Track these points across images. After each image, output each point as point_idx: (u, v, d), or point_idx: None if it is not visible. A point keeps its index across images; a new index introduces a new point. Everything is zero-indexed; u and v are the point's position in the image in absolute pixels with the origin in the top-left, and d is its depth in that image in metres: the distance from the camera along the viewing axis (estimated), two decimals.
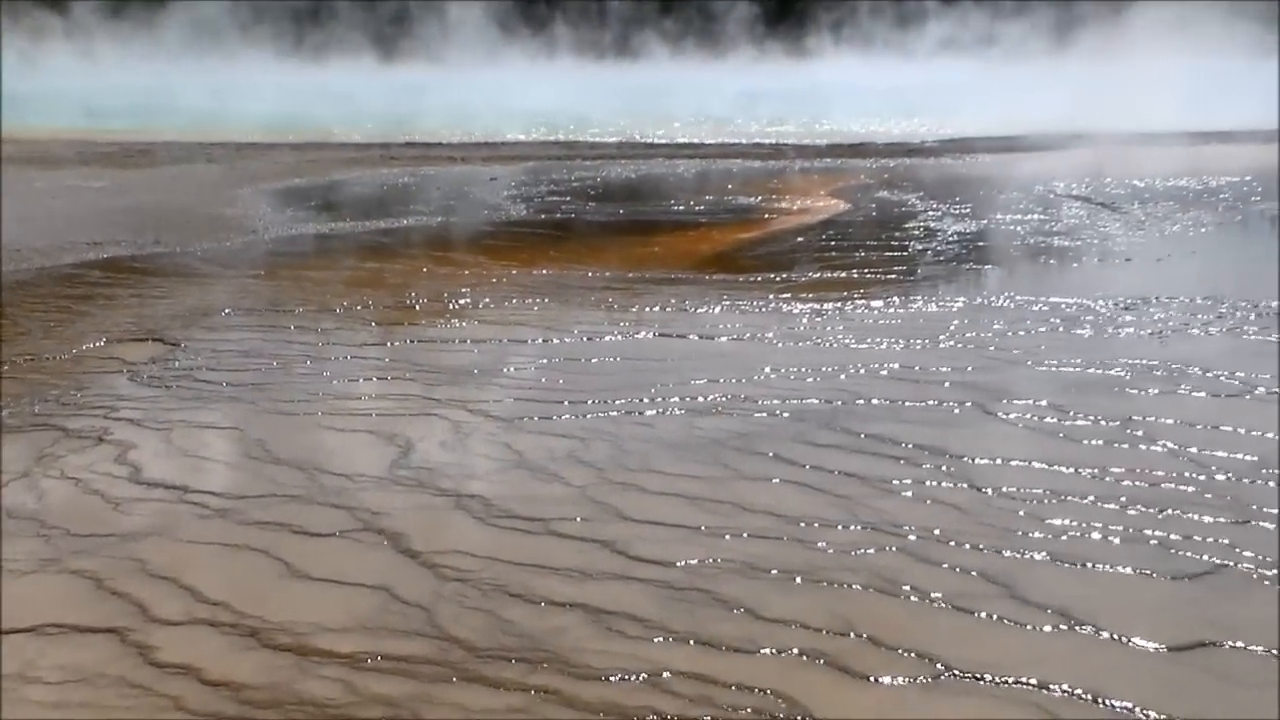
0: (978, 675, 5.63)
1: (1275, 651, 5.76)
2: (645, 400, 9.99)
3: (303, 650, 5.99)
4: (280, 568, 6.98)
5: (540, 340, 12.13)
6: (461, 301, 14.04)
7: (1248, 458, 8.37)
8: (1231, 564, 6.75)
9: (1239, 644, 5.87)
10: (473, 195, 25.05)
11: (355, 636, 6.13)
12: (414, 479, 8.35)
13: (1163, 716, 5.24)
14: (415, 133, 41.21)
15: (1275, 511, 7.43)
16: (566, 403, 9.97)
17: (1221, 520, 7.34)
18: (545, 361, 11.29)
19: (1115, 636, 5.97)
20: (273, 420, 9.66)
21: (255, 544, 7.30)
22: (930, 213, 22.03)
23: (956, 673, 5.66)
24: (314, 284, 15.29)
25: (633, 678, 5.68)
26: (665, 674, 5.70)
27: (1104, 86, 54.44)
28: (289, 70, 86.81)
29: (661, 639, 6.05)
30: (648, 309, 13.58)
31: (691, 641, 6.02)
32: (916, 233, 19.62)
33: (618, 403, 9.94)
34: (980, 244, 18.47)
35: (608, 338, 12.19)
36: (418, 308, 13.76)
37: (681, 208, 23.31)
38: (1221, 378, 10.29)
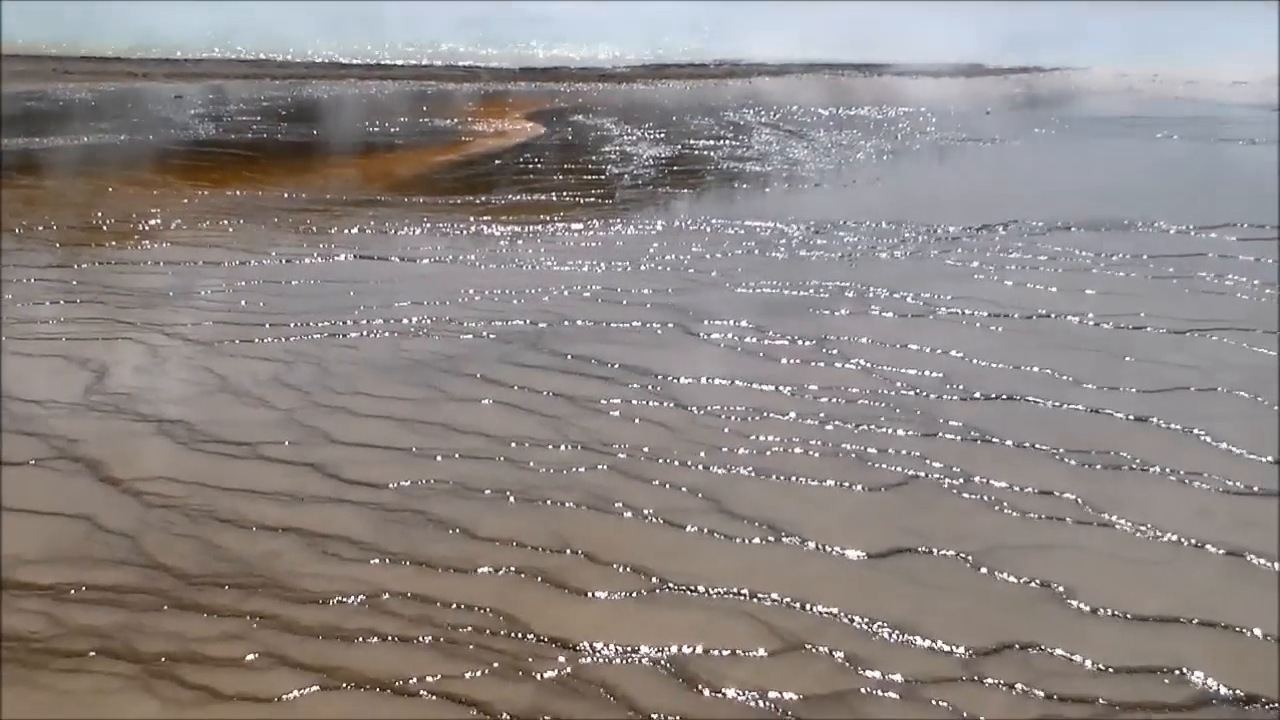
0: (692, 587, 5.77)
1: (965, 556, 6.09)
2: (349, 323, 9.81)
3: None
4: None
5: (237, 262, 11.74)
6: (152, 222, 13.46)
7: (933, 374, 8.78)
8: (923, 475, 7.09)
9: (932, 549, 6.18)
10: (158, 113, 23.99)
11: (57, 568, 5.86)
12: (111, 404, 8.00)
13: (865, 619, 5.48)
14: (83, 46, 38.82)
15: (959, 424, 7.83)
16: (268, 325, 9.71)
17: (912, 433, 7.70)
18: (243, 284, 10.94)
19: (820, 546, 6.20)
20: None
21: None
22: (626, 137, 22.22)
23: (671, 585, 5.79)
24: None
25: (351, 600, 5.60)
26: (384, 595, 5.65)
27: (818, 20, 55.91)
28: None
29: (378, 560, 5.99)
30: (347, 231, 13.30)
31: (408, 562, 5.98)
32: (613, 157, 19.77)
33: (321, 325, 9.73)
34: (676, 168, 18.74)
35: (307, 260, 11.91)
36: (105, 228, 13.13)
37: (377, 129, 22.86)
38: (907, 298, 10.75)
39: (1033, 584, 5.85)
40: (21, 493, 6.66)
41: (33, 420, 7.68)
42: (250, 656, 5.12)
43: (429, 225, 13.65)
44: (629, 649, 5.23)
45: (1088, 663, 5.17)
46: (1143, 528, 6.43)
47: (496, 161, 19.16)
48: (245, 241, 12.59)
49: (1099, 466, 7.23)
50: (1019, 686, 4.97)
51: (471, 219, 14.10)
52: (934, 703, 4.87)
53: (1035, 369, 8.95)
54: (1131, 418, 8.02)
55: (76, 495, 6.64)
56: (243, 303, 10.33)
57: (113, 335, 9.39)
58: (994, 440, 7.61)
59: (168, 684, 4.90)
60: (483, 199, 15.46)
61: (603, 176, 17.66)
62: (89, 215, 13.68)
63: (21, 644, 5.18)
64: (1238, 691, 4.98)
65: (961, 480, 7.01)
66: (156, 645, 5.19)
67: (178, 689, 4.87)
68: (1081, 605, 5.66)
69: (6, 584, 5.68)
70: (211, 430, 7.57)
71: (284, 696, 4.85)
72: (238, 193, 15.55)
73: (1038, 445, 7.52)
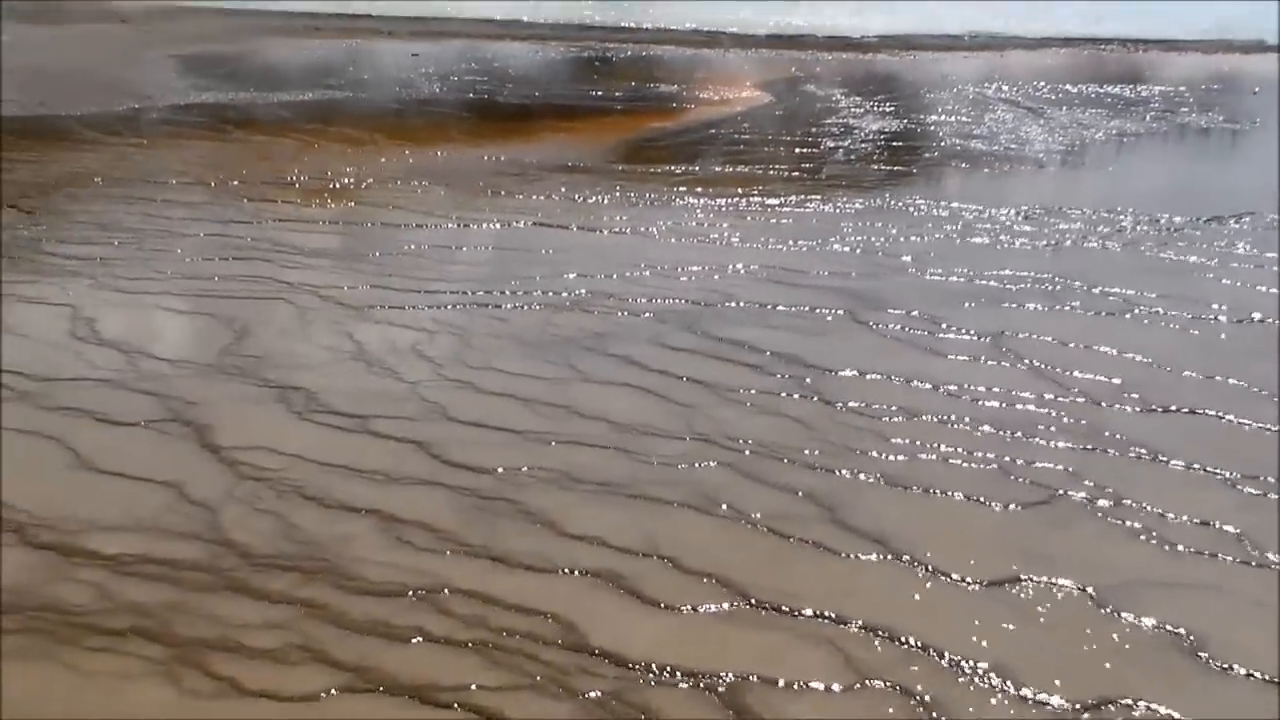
0: (776, 606, 5.31)
1: (1090, 590, 5.47)
2: (506, 293, 9.58)
3: (65, 550, 5.60)
4: (69, 458, 6.56)
5: (414, 225, 11.65)
6: (344, 181, 13.51)
7: (1112, 380, 8.07)
8: (1067, 492, 6.45)
9: (1055, 580, 5.58)
10: (390, 71, 24.34)
11: (127, 537, 5.73)
12: (240, 367, 7.92)
13: (958, 656, 4.94)
14: (348, 4, 39.61)
15: (1125, 438, 7.13)
16: (423, 292, 9.55)
17: (1070, 446, 7.05)
18: (412, 248, 10.82)
19: (930, 568, 5.66)
20: (109, 298, 9.18)
21: (49, 430, 6.86)
22: (853, 109, 21.56)
23: (754, 602, 5.34)
24: (196, 156, 14.72)
25: (410, 594, 5.32)
26: (445, 591, 5.34)
27: None
28: None
29: (451, 552, 5.69)
30: (535, 197, 13.10)
31: (483, 556, 5.67)
32: (833, 130, 19.15)
33: (477, 294, 9.52)
34: (896, 144, 18.04)
35: (484, 225, 11.74)
36: (296, 185, 13.22)
37: (600, 93, 22.70)
38: (1108, 294, 9.99)
39: (1159, 629, 5.20)
40: (120, 455, 6.60)
41: (158, 380, 7.65)
42: (286, 649, 4.88)
43: (620, 194, 13.36)
44: (684, 671, 4.81)
45: None
46: None
47: (710, 130, 18.76)
48: (428, 204, 12.51)
49: (1275, 497, 6.47)
50: None
51: (666, 189, 13.76)
52: None
53: (1230, 380, 8.16)
54: None
55: (173, 461, 6.54)
56: (406, 268, 10.20)
57: (267, 295, 9.35)
58: (1160, 459, 6.91)
59: (192, 673, 4.70)
60: (684, 169, 15.09)
61: (816, 150, 17.08)
62: (286, 171, 13.82)
63: (63, 617, 5.06)
64: None
65: (1110, 503, 6.35)
66: (196, 629, 5.00)
67: (200, 679, 4.66)
68: (1210, 659, 4.99)
69: (72, 551, 5.58)
70: (330, 400, 7.41)
71: (306, 696, 4.58)
72: (439, 153, 15.55)
73: (1209, 468, 6.80)
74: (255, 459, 6.59)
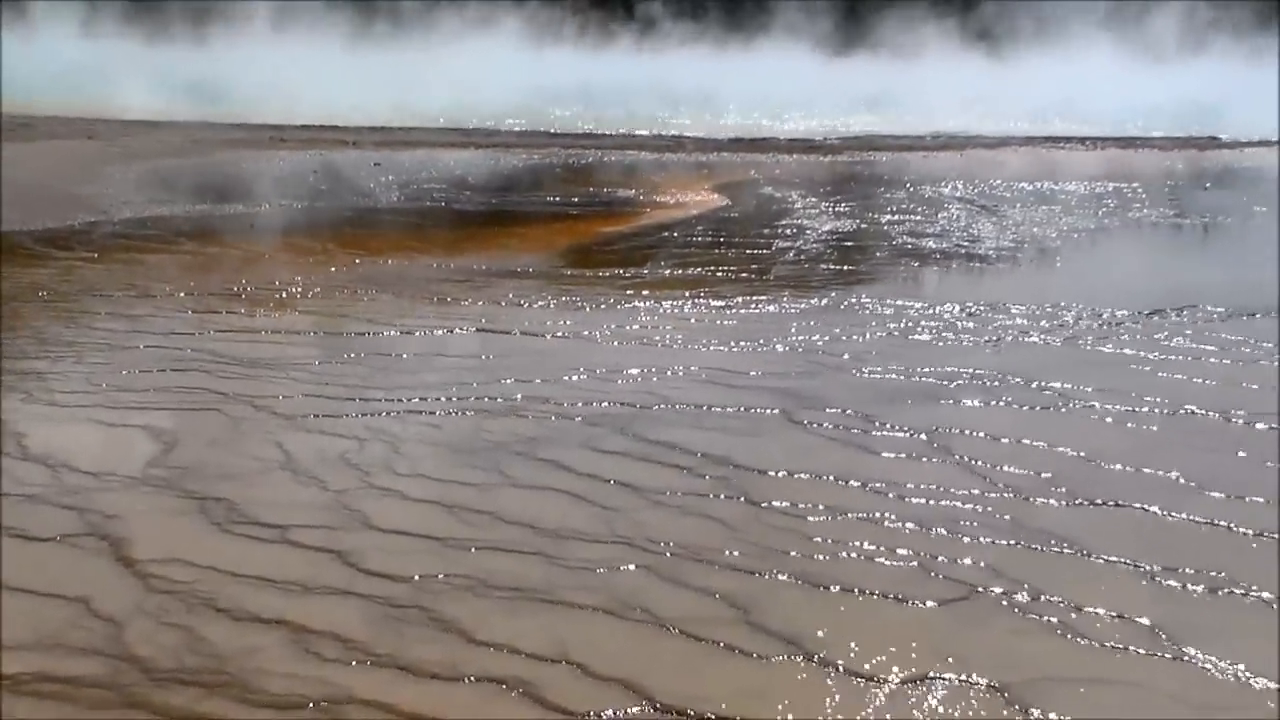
0: (682, 710, 5.27)
1: (1002, 688, 5.44)
2: (441, 399, 9.56)
3: None
4: None
5: (354, 333, 11.64)
6: (290, 290, 13.53)
7: (1040, 474, 8.09)
8: (986, 588, 6.44)
9: (968, 678, 5.55)
10: (350, 181, 24.45)
11: (28, 655, 5.66)
12: (164, 479, 7.86)
13: None
14: (323, 115, 39.28)
15: (1049, 532, 7.14)
16: (358, 400, 9.53)
17: (990, 540, 7.05)
18: (351, 355, 10.80)
19: (840, 669, 5.64)
20: (40, 413, 9.12)
21: None
22: (808, 210, 21.74)
23: (660, 705, 5.30)
24: (145, 268, 14.73)
25: (310, 706, 5.25)
26: (347, 703, 5.28)
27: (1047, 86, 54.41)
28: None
29: (358, 662, 5.64)
30: (479, 303, 13.12)
31: (389, 666, 5.61)
32: (786, 231, 19.28)
33: (411, 401, 9.51)
34: (847, 244, 18.19)
35: (426, 332, 11.75)
36: (243, 295, 13.22)
37: (557, 199, 22.89)
38: (1045, 389, 10.03)
39: None
40: (32, 571, 6.53)
41: (80, 494, 7.58)
42: None
43: (566, 299, 13.40)
44: None
45: None
46: (1221, 665, 5.67)
47: (663, 234, 18.85)
48: (372, 312, 12.52)
49: (1195, 589, 6.47)
50: None
51: (612, 293, 13.81)
52: None
53: (1159, 472, 8.19)
54: (1253, 533, 7.20)
55: (85, 575, 6.47)
56: (343, 376, 10.18)
57: (201, 406, 9.31)
58: (1082, 553, 6.91)
59: None
60: (632, 273, 15.15)
61: (766, 251, 17.19)
62: (234, 282, 13.81)
63: None
64: None
65: (1028, 598, 6.34)
66: None
67: None
68: None
69: None
70: (251, 511, 7.36)
71: None
72: (389, 262, 15.60)
73: (1130, 561, 6.79)
74: (168, 571, 6.52)
